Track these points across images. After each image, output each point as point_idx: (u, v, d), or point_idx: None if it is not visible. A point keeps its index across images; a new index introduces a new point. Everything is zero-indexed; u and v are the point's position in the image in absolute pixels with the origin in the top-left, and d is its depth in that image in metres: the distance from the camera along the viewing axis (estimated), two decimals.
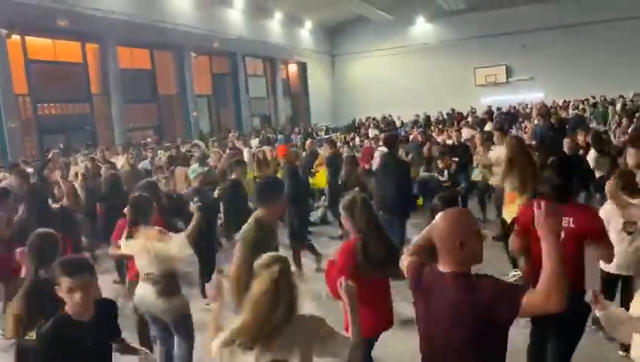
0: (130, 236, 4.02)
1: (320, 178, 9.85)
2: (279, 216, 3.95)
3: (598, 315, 2.62)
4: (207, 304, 6.02)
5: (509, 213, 5.54)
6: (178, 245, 3.92)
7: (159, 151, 11.95)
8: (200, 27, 20.05)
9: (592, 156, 7.27)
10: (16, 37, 14.12)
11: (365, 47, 29.76)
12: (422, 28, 29.29)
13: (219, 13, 21.78)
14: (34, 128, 15.06)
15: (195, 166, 8.85)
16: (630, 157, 5.03)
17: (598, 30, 24.78)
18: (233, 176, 6.61)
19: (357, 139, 13.77)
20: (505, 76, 27.73)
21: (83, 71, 16.57)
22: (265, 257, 2.35)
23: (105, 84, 16.90)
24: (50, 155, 10.76)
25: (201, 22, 20.25)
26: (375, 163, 8.80)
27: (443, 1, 25.38)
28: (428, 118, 21.88)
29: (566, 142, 7.59)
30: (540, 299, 1.93)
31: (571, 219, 3.10)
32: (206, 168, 8.33)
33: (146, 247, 3.94)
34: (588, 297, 2.81)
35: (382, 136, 11.76)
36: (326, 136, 18.94)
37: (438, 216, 2.22)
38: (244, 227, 3.63)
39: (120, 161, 10.20)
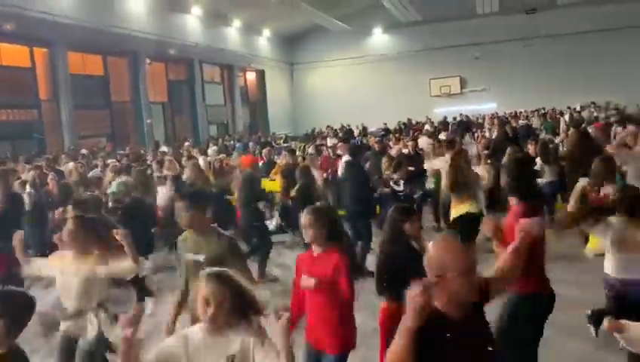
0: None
1: (276, 186, 9.76)
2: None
3: (620, 339, 2.50)
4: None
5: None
6: None
7: (109, 161, 11.57)
8: (155, 33, 19.66)
9: (538, 165, 7.54)
10: None
11: (324, 56, 29.99)
12: (379, 39, 29.75)
13: (175, 20, 21.46)
14: None
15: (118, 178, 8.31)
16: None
17: (547, 43, 25.86)
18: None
19: (310, 149, 13.55)
20: (459, 87, 28.48)
21: (31, 76, 15.95)
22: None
23: (54, 89, 16.31)
24: None
25: (157, 28, 19.87)
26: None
27: (399, 12, 25.85)
28: (364, 128, 21.99)
29: (508, 152, 7.70)
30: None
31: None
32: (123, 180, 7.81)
33: None
34: None
35: (340, 145, 11.81)
36: (285, 145, 18.86)
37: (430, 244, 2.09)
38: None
39: (68, 170, 9.81)
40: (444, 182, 7.21)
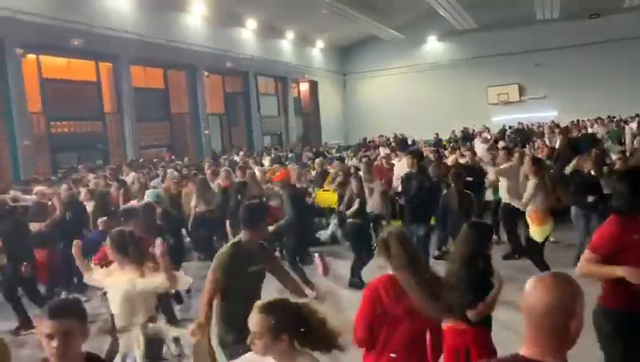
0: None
1: (331, 197, 9.73)
2: (263, 239, 3.77)
3: None
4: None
5: (540, 231, 6.23)
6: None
7: (168, 170, 11.91)
8: (213, 47, 20.24)
9: None
10: (31, 56, 14.30)
11: (377, 66, 29.84)
12: (433, 47, 29.36)
13: (232, 33, 22.01)
14: (47, 146, 15.15)
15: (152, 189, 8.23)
16: None
17: (610, 49, 24.69)
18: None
19: (353, 160, 13.31)
20: (517, 95, 27.60)
21: (96, 89, 16.73)
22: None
23: (118, 102, 17.04)
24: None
25: (214, 41, 20.45)
26: (398, 179, 8.74)
27: (455, 20, 25.41)
28: (404, 140, 21.48)
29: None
30: None
31: None
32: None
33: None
34: None
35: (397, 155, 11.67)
36: (337, 155, 18.85)
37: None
38: (221, 250, 3.55)
39: (130, 180, 10.17)
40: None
